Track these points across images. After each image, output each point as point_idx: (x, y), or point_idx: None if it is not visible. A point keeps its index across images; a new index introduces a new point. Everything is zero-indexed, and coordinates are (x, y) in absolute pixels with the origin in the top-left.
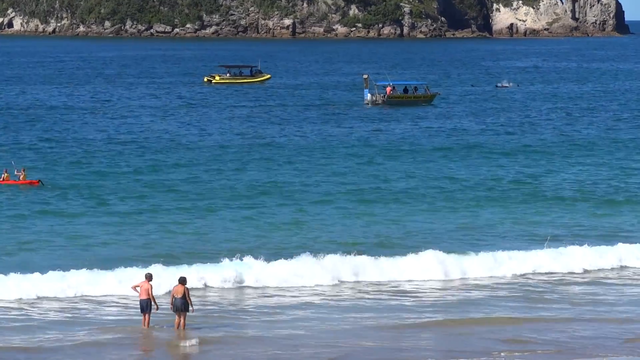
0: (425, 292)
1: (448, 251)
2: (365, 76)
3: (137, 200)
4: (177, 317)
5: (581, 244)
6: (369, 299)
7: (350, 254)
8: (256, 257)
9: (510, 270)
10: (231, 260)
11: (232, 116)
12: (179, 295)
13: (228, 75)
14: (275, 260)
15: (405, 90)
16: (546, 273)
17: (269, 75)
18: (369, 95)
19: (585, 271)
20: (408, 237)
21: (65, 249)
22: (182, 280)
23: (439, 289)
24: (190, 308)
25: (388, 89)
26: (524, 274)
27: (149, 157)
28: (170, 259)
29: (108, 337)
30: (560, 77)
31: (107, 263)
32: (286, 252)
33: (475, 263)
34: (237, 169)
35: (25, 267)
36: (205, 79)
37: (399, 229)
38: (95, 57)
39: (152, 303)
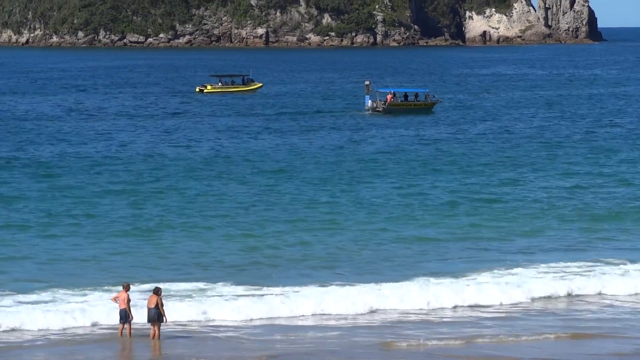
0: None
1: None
2: (367, 83)
3: (129, 215)
4: (152, 327)
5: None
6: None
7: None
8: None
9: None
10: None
11: (230, 126)
12: (152, 306)
13: (220, 84)
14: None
15: (406, 97)
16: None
17: (260, 84)
18: (369, 101)
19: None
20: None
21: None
22: (157, 291)
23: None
24: (164, 318)
25: (389, 96)
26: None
27: (150, 169)
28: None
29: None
30: (552, 84)
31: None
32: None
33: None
34: (232, 180)
35: None
36: (197, 89)
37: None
38: (79, 68)
39: (128, 313)
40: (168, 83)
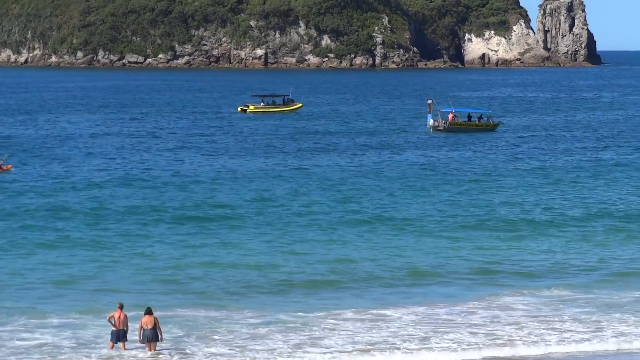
0: None
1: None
2: (429, 101)
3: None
4: (147, 347)
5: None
6: None
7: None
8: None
9: None
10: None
11: (283, 147)
12: (150, 326)
13: (262, 104)
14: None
15: (469, 118)
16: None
17: (300, 104)
18: (431, 120)
19: None
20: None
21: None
22: (150, 311)
23: None
24: (160, 337)
25: (450, 115)
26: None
27: (204, 192)
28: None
29: None
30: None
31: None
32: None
33: None
34: (291, 197)
35: None
36: (239, 109)
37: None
38: (102, 87)
39: (126, 332)
40: (203, 103)
